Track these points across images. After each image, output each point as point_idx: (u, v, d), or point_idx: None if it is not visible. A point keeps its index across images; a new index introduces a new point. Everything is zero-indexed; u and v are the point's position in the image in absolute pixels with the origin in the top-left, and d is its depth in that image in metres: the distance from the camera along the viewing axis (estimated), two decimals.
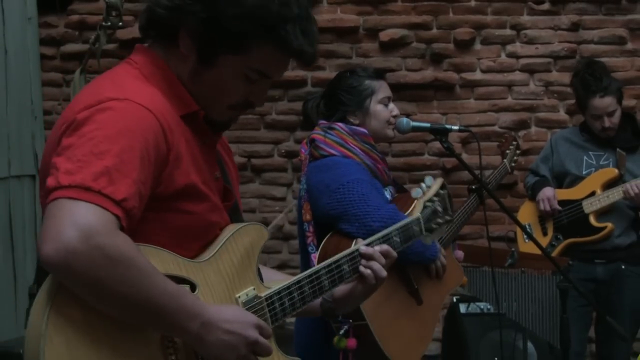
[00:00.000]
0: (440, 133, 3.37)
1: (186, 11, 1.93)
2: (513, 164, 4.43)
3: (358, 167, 3.13)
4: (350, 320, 2.90)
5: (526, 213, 5.04)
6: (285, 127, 5.99)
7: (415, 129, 3.37)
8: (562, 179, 4.91)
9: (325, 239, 3.04)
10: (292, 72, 5.97)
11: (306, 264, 3.13)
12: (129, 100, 1.84)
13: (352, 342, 2.89)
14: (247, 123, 5.99)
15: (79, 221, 1.67)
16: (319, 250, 3.01)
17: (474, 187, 3.55)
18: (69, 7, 5.97)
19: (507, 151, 4.39)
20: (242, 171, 6.00)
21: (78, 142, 1.76)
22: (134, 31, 5.90)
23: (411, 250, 3.00)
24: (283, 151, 6.00)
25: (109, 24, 4.34)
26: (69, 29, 5.93)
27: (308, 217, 3.07)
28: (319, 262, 2.93)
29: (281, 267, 5.94)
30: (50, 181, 1.73)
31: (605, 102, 4.68)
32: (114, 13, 4.28)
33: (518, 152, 4.45)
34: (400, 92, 5.92)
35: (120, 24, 4.43)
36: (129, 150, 1.78)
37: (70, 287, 1.71)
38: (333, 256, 2.90)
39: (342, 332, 2.89)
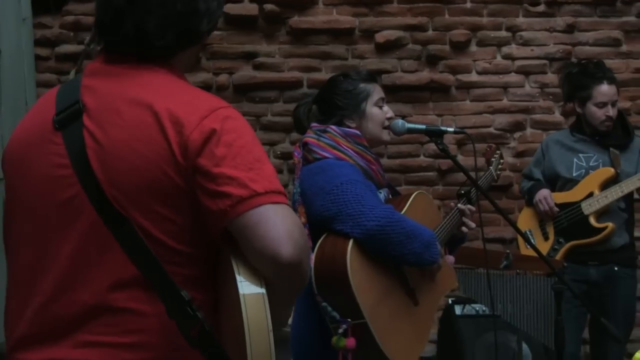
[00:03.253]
0: (436, 135, 3.38)
1: (214, 21, 2.07)
2: (499, 172, 4.38)
3: (351, 169, 3.13)
4: (349, 320, 2.90)
5: (526, 219, 5.03)
6: (281, 129, 5.99)
7: (411, 131, 3.38)
8: (554, 182, 4.92)
9: (321, 240, 3.04)
10: (288, 74, 5.98)
11: None
12: (230, 107, 1.93)
13: (351, 342, 2.90)
14: None
15: (296, 221, 1.85)
16: (316, 250, 3.01)
17: (462, 191, 3.56)
18: (64, 7, 5.96)
19: (492, 159, 4.35)
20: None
21: (233, 152, 1.83)
22: None
23: (409, 251, 3.00)
24: (279, 152, 5.99)
25: None
26: (64, 29, 5.92)
27: (303, 219, 3.06)
28: (316, 263, 2.97)
29: None
30: (238, 190, 1.80)
31: (613, 89, 4.73)
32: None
33: (502, 161, 4.39)
34: (396, 93, 5.93)
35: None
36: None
37: (285, 283, 1.85)
38: (330, 256, 2.93)
39: (340, 331, 2.90)
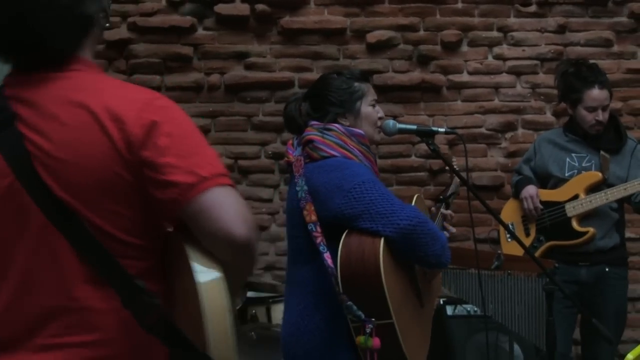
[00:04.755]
0: (427, 135, 3.37)
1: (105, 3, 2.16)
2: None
3: (365, 168, 3.11)
4: (373, 319, 2.88)
5: (509, 212, 5.05)
6: (272, 129, 5.98)
7: (402, 131, 3.37)
8: (546, 181, 4.93)
9: (344, 238, 2.98)
10: (279, 74, 5.97)
11: (305, 263, 3.13)
12: (164, 97, 1.99)
13: (377, 342, 2.87)
14: (234, 124, 5.98)
15: (243, 202, 1.91)
16: (341, 248, 2.95)
17: (441, 197, 3.57)
18: None
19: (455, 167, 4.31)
20: (229, 172, 5.99)
21: (175, 141, 1.89)
22: (120, 32, 5.91)
23: (432, 252, 3.00)
24: (270, 152, 5.99)
25: None
26: None
27: (314, 217, 3.01)
28: (342, 261, 2.94)
29: (268, 268, 5.93)
30: (183, 177, 1.85)
31: (604, 93, 4.72)
32: (101, 14, 4.26)
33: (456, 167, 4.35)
34: (387, 93, 5.93)
35: (107, 25, 4.40)
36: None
37: (238, 263, 1.91)
38: (359, 255, 2.92)
39: (368, 331, 2.87)
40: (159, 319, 1.83)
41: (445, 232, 3.50)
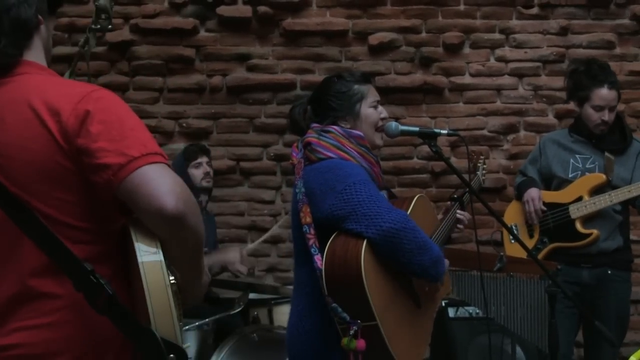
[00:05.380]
0: (429, 137, 3.37)
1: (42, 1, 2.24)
2: (484, 177, 4.41)
3: (360, 170, 3.11)
4: (359, 321, 2.89)
5: (513, 213, 5.04)
6: (274, 130, 5.98)
7: (404, 133, 3.37)
8: (550, 182, 4.92)
9: (331, 239, 2.99)
10: (281, 75, 5.98)
11: (303, 264, 3.13)
12: (103, 89, 2.10)
13: (361, 343, 2.87)
14: (236, 126, 5.98)
15: (176, 177, 1.98)
16: (327, 249, 2.96)
17: (455, 195, 3.57)
18: (58, 9, 5.93)
19: (478, 164, 4.38)
20: (231, 174, 6.00)
21: (108, 127, 1.98)
22: (122, 34, 5.91)
23: (417, 262, 2.99)
24: (272, 154, 5.99)
25: (98, 26, 4.30)
26: (58, 31, 5.88)
27: (308, 219, 3.03)
28: (327, 263, 2.96)
29: (270, 270, 5.93)
30: (114, 159, 1.95)
31: (612, 94, 4.71)
32: (103, 16, 4.25)
33: (485, 166, 4.45)
34: (389, 95, 5.93)
35: (110, 26, 4.41)
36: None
37: (176, 238, 1.99)
38: (342, 257, 2.93)
39: (352, 333, 2.88)
40: (108, 300, 1.91)
41: (458, 226, 3.52)
